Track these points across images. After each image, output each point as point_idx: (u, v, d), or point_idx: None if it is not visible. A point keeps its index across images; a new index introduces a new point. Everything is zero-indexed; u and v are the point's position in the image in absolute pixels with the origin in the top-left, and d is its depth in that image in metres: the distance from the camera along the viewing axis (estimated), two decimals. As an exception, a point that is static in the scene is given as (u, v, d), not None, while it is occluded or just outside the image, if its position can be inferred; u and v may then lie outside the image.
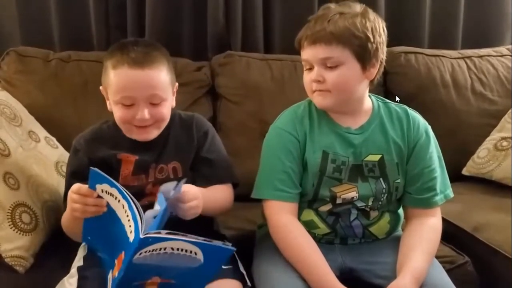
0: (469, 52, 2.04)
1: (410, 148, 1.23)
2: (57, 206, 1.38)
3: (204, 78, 1.82)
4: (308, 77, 1.21)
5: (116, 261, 1.01)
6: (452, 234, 1.49)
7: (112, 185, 1.00)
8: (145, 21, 1.89)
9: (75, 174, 1.21)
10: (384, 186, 1.22)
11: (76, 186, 1.05)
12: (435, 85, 1.91)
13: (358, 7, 1.18)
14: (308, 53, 1.18)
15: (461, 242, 1.45)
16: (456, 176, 1.83)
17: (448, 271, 1.22)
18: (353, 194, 1.21)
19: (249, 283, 1.19)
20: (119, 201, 1.01)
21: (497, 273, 1.40)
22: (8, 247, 1.21)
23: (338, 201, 1.22)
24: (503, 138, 1.79)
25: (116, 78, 1.14)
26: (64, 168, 1.48)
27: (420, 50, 1.99)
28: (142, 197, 1.18)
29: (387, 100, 1.30)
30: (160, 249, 0.93)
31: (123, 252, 0.99)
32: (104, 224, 1.06)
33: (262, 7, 1.97)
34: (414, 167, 1.23)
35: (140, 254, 0.93)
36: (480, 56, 2.01)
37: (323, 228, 1.24)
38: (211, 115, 1.81)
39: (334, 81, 1.16)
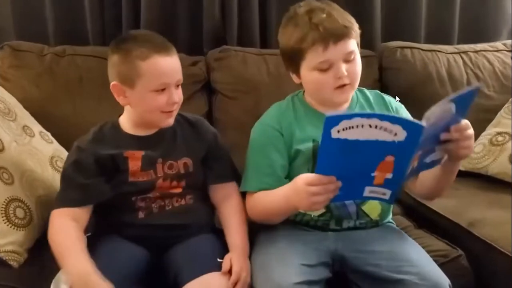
0: (465, 47, 2.03)
1: None
2: (52, 201, 1.37)
3: (200, 73, 1.82)
4: (326, 77, 1.19)
5: (375, 173, 1.02)
6: (447, 229, 1.50)
7: (350, 117, 0.95)
8: (140, 15, 1.88)
9: (78, 164, 1.21)
10: None
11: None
12: (431, 80, 1.91)
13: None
14: (332, 53, 1.17)
15: (456, 237, 1.45)
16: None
17: (442, 265, 1.22)
18: None
19: None
20: (363, 126, 0.95)
21: (492, 269, 1.39)
22: (2, 242, 1.20)
23: None
24: (499, 133, 1.79)
25: (151, 67, 1.18)
26: (59, 163, 1.48)
27: (416, 45, 1.99)
28: (153, 190, 1.23)
29: (362, 88, 1.32)
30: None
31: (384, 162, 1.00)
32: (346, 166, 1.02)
33: (258, 2, 1.96)
34: None
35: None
36: (476, 51, 2.01)
37: None
38: (206, 110, 1.81)
39: (354, 73, 1.20)
